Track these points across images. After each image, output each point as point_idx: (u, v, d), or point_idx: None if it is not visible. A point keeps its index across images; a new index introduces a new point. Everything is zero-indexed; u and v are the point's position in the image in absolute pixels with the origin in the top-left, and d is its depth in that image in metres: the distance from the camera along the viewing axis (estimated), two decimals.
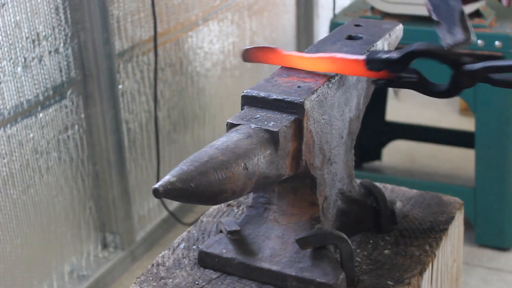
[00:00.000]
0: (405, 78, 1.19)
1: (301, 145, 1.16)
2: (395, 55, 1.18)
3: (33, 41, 2.32)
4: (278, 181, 1.18)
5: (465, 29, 1.28)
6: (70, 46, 2.48)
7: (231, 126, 1.14)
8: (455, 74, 1.16)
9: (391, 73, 1.19)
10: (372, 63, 1.19)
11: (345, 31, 1.40)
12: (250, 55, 1.30)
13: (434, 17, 1.30)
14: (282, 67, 1.28)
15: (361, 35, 1.36)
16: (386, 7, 2.78)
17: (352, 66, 1.21)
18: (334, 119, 1.24)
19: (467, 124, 3.39)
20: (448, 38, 1.27)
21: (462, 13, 1.29)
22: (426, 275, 1.26)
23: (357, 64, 1.21)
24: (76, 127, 2.56)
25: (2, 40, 2.20)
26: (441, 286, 1.37)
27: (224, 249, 1.25)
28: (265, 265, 1.21)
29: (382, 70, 1.19)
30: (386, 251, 1.30)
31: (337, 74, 1.23)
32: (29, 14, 2.29)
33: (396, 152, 3.60)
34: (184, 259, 1.29)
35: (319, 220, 1.22)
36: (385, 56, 1.18)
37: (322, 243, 1.18)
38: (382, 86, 1.22)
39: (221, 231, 1.28)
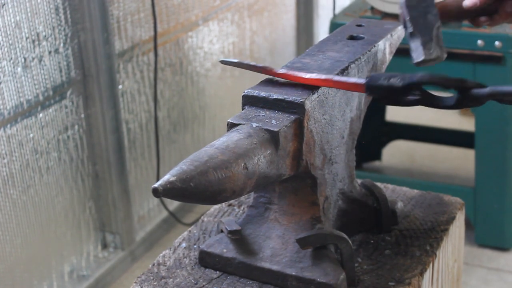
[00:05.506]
0: (409, 98, 1.14)
1: (301, 145, 1.15)
2: (397, 82, 1.13)
3: (33, 41, 2.32)
4: (278, 181, 1.18)
5: (440, 46, 1.26)
6: (70, 46, 2.48)
7: (231, 125, 1.14)
8: (461, 98, 1.12)
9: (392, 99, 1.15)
10: (373, 90, 1.15)
11: (346, 31, 1.40)
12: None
13: (410, 28, 1.28)
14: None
15: (362, 35, 1.36)
16: (386, 7, 2.78)
17: (351, 88, 1.18)
18: (335, 119, 1.23)
19: (467, 124, 3.39)
20: (422, 52, 1.25)
21: (439, 29, 1.27)
22: (427, 275, 1.26)
23: (357, 87, 1.17)
24: (76, 127, 2.56)
25: (2, 40, 2.20)
26: (441, 286, 1.37)
27: (225, 248, 1.24)
28: (266, 264, 1.21)
29: (382, 97, 1.15)
30: (387, 251, 1.30)
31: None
32: (29, 14, 2.29)
33: (396, 152, 3.60)
34: (185, 259, 1.29)
35: (319, 220, 1.22)
36: (386, 84, 1.13)
37: (322, 243, 1.18)
38: (385, 104, 1.19)
39: (222, 231, 1.28)
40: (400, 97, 1.14)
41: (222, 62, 1.31)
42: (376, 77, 1.16)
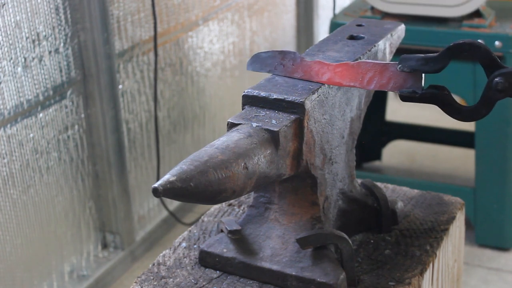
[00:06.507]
0: (432, 91, 1.12)
1: (301, 144, 1.15)
2: (431, 54, 1.11)
3: (33, 41, 2.32)
4: (279, 181, 1.18)
5: None
6: (70, 46, 2.48)
7: (231, 125, 1.14)
8: (491, 79, 1.09)
9: (421, 76, 1.12)
10: (408, 60, 1.13)
11: (347, 30, 1.40)
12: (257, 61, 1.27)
13: None
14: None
15: (362, 35, 1.36)
16: (386, 7, 2.78)
17: (381, 71, 1.16)
18: (335, 119, 1.23)
19: (467, 124, 3.38)
20: None
21: None
22: (427, 275, 1.26)
23: (386, 68, 1.15)
24: (76, 127, 2.56)
25: (2, 40, 2.20)
26: (441, 286, 1.37)
27: (225, 248, 1.24)
28: (266, 264, 1.21)
29: (414, 70, 1.13)
30: (387, 251, 1.30)
31: None
32: (29, 14, 2.29)
33: (396, 152, 3.60)
34: (185, 259, 1.29)
35: (320, 220, 1.22)
36: (422, 55, 1.12)
37: (322, 243, 1.18)
38: (406, 99, 1.15)
39: (222, 231, 1.28)
40: (436, 66, 1.11)
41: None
42: (409, 55, 1.14)
